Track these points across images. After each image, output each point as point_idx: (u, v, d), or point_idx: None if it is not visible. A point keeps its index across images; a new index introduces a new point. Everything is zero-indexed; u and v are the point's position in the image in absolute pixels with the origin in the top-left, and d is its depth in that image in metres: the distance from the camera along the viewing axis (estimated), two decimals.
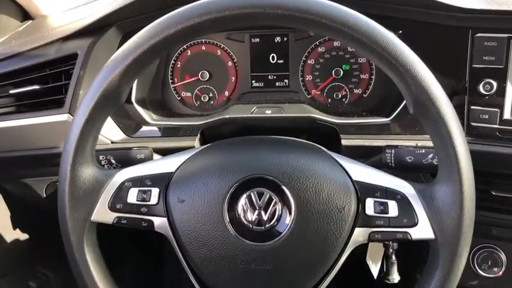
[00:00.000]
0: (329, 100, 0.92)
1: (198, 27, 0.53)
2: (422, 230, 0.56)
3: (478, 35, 0.77)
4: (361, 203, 0.58)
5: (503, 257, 0.87)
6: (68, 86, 0.81)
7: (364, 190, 0.59)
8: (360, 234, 0.58)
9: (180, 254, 0.59)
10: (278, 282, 0.57)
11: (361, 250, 1.06)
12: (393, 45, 0.53)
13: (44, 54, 0.82)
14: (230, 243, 0.56)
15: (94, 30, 0.82)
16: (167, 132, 0.86)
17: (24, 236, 1.00)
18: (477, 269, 0.87)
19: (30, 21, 0.97)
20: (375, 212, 0.58)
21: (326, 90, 0.92)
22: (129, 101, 0.87)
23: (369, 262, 1.04)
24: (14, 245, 0.99)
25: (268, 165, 0.59)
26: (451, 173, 0.54)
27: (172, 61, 0.93)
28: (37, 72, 0.83)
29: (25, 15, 0.97)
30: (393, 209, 0.57)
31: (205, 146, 0.65)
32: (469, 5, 0.76)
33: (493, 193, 0.82)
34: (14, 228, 0.98)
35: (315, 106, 0.89)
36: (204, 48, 0.92)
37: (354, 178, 0.59)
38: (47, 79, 0.83)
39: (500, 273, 0.87)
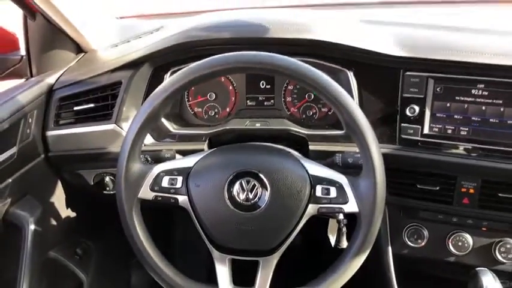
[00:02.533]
0: (303, 116, 1.19)
1: (211, 75, 0.83)
2: (351, 206, 0.85)
3: (407, 73, 1.04)
4: (313, 188, 0.86)
5: (426, 232, 1.11)
6: (114, 104, 1.11)
7: (315, 180, 0.87)
8: (311, 208, 0.86)
9: (195, 220, 0.89)
10: (258, 237, 0.86)
11: (325, 226, 1.36)
12: (329, 85, 0.81)
13: (97, 81, 1.11)
14: (228, 212, 0.86)
15: (133, 65, 1.10)
16: (184, 138, 1.13)
17: (73, 214, 1.26)
18: (407, 241, 1.12)
19: (82, 54, 1.24)
20: (321, 194, 0.86)
21: (301, 109, 1.18)
22: None
23: (329, 235, 1.34)
24: (66, 220, 1.24)
25: (253, 162, 0.88)
26: (369, 170, 0.84)
27: None
28: (92, 94, 1.13)
29: (78, 49, 1.23)
30: (333, 192, 0.86)
31: (213, 149, 0.95)
32: (401, 53, 1.03)
33: (418, 186, 1.07)
34: (67, 208, 1.24)
35: (293, 120, 1.15)
36: None
37: (310, 172, 0.88)
38: (98, 99, 1.14)
39: (423, 244, 1.11)
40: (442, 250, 1.11)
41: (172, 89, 0.84)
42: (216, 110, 1.21)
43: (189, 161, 0.91)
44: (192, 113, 1.22)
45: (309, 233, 1.35)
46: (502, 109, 1.01)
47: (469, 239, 1.10)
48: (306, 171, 0.89)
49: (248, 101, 1.20)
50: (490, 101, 1.01)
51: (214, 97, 1.20)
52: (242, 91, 1.20)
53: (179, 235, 1.71)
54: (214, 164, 0.90)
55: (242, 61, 0.82)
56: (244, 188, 0.86)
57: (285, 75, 0.83)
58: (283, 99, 1.19)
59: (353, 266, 0.86)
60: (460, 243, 1.10)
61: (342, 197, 0.86)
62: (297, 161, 0.91)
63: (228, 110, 1.21)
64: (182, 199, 0.89)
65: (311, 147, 1.09)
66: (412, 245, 1.13)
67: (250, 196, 0.86)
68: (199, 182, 0.88)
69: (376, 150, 0.84)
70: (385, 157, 1.05)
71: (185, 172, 0.89)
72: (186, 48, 1.05)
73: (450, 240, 1.11)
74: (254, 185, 0.86)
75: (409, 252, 1.14)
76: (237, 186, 0.86)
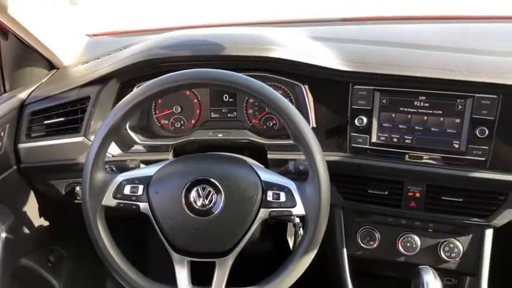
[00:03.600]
0: (264, 127, 1.25)
1: (167, 91, 0.91)
2: (299, 209, 0.92)
3: (355, 87, 1.12)
4: (264, 193, 0.93)
5: (377, 234, 1.19)
6: (83, 118, 1.18)
7: (267, 185, 0.94)
8: (263, 212, 0.93)
9: (156, 225, 0.95)
10: (213, 240, 0.93)
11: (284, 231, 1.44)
12: (275, 99, 0.89)
13: (67, 96, 1.18)
14: (185, 217, 0.93)
15: (101, 80, 1.17)
16: (150, 148, 1.20)
17: (46, 223, 1.31)
18: (360, 243, 1.20)
19: (55, 70, 1.31)
20: (272, 199, 0.93)
21: (262, 120, 1.25)
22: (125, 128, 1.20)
23: (288, 238, 1.41)
24: (38, 228, 1.29)
25: (209, 170, 0.95)
26: (314, 176, 0.91)
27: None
28: (62, 108, 1.20)
29: (50, 65, 1.30)
30: (283, 197, 0.93)
31: (173, 159, 1.03)
32: (349, 68, 1.10)
33: (369, 191, 1.15)
34: (40, 217, 1.28)
35: (254, 131, 1.22)
36: None
37: (262, 178, 0.95)
38: (68, 113, 1.20)
39: (375, 245, 1.19)
40: (393, 251, 1.20)
41: (132, 104, 0.91)
42: (182, 122, 1.28)
43: (150, 170, 0.98)
44: (159, 125, 1.29)
45: (273, 237, 1.43)
46: (441, 119, 1.10)
47: (416, 239, 1.18)
48: (259, 177, 0.96)
49: (212, 113, 1.27)
50: (431, 111, 1.10)
51: (180, 110, 1.27)
52: (206, 104, 1.27)
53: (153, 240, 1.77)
54: (173, 173, 0.97)
55: (196, 77, 0.89)
56: (200, 194, 0.93)
57: (234, 90, 0.91)
58: (245, 112, 1.27)
59: (301, 265, 0.93)
60: (408, 244, 1.18)
61: (291, 201, 0.93)
62: (251, 168, 0.99)
63: (193, 122, 1.28)
64: (143, 206, 0.95)
65: (269, 156, 1.17)
66: (365, 246, 1.21)
67: (206, 202, 0.93)
68: (158, 189, 0.95)
69: (320, 158, 0.92)
70: (338, 164, 1.16)
71: (146, 180, 0.96)
72: (149, 65, 1.13)
73: (400, 241, 1.19)
74: (209, 192, 0.93)
75: (362, 253, 1.22)
76: (193, 192, 0.93)
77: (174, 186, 0.94)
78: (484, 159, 1.07)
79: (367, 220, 1.22)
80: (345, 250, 1.23)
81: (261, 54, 1.11)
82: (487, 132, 1.05)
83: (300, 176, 1.06)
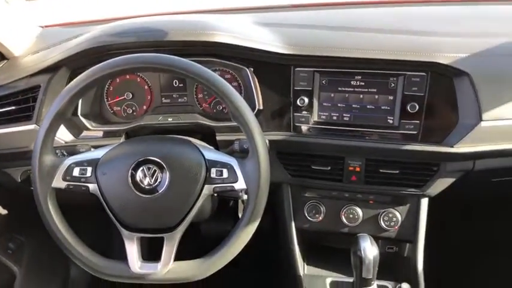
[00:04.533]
0: (214, 110, 1.30)
1: (108, 76, 0.95)
2: (240, 184, 0.97)
3: (297, 69, 1.18)
4: (208, 171, 0.99)
5: (323, 208, 1.27)
6: (34, 106, 1.21)
7: (210, 163, 0.99)
8: (207, 189, 0.98)
9: (105, 205, 0.99)
10: (160, 216, 0.98)
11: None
12: (215, 80, 0.94)
13: (18, 85, 1.20)
14: (132, 196, 0.97)
15: (51, 69, 1.20)
16: (103, 134, 1.24)
17: (4, 211, 1.33)
18: (307, 216, 1.27)
19: (5, 61, 1.33)
20: (216, 176, 0.98)
21: (212, 104, 1.30)
22: (76, 115, 1.24)
23: (239, 214, 1.48)
24: None
25: (154, 151, 1.00)
26: (253, 153, 0.97)
27: (106, 86, 1.29)
28: (13, 97, 1.22)
29: (1, 56, 1.32)
30: (225, 173, 0.98)
31: (120, 142, 1.07)
32: (291, 52, 1.16)
33: (313, 167, 1.22)
34: None
35: (204, 115, 1.27)
36: (128, 77, 1.29)
37: (206, 157, 1.00)
38: (20, 102, 1.23)
39: (321, 218, 1.27)
40: (337, 222, 1.27)
41: (77, 89, 0.95)
42: (133, 108, 1.32)
43: (98, 153, 1.03)
44: (112, 111, 1.33)
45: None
46: (376, 97, 1.17)
47: (359, 211, 1.26)
48: (203, 156, 1.01)
49: (163, 99, 1.31)
50: (367, 90, 1.17)
51: (131, 96, 1.31)
52: (157, 90, 1.31)
53: None
54: (120, 154, 1.02)
55: (135, 62, 0.94)
56: (146, 173, 0.98)
57: (175, 73, 0.96)
58: (195, 96, 1.31)
59: (243, 236, 0.99)
60: (351, 216, 1.26)
61: (233, 177, 0.99)
62: (195, 148, 1.04)
63: (145, 107, 1.32)
64: (92, 187, 1.00)
65: (218, 138, 1.22)
66: (311, 219, 1.29)
67: (152, 181, 0.98)
68: (106, 170, 0.99)
69: (259, 135, 0.97)
70: (283, 143, 1.22)
71: (94, 162, 1.01)
72: (96, 52, 1.16)
73: (343, 213, 1.27)
74: (155, 171, 0.98)
75: (309, 226, 1.30)
76: (139, 172, 0.98)
77: (121, 167, 0.99)
78: (415, 132, 1.15)
79: (313, 195, 1.29)
80: (293, 223, 1.30)
81: (204, 39, 1.16)
82: (417, 107, 1.13)
83: (245, 154, 1.11)
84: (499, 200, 1.52)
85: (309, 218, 1.29)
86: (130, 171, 0.98)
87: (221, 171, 1.00)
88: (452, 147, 1.11)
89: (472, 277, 1.69)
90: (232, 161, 1.01)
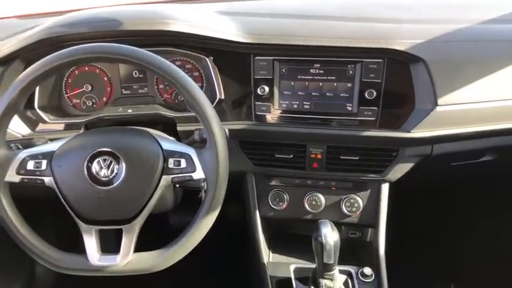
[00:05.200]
0: (175, 101, 1.28)
1: (59, 68, 0.93)
2: (198, 174, 0.97)
3: (257, 57, 1.18)
4: (166, 161, 0.97)
5: (286, 196, 1.28)
6: None
7: (168, 154, 0.98)
8: (165, 179, 0.97)
9: (61, 198, 0.98)
10: (118, 208, 0.97)
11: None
12: (168, 69, 0.93)
13: None
14: (89, 188, 0.95)
15: (4, 61, 1.17)
16: (61, 127, 1.22)
17: None
18: (271, 204, 1.28)
19: None
20: (173, 166, 0.97)
21: (173, 95, 1.28)
22: (33, 108, 1.21)
23: None
24: None
25: (110, 142, 0.98)
26: (211, 142, 0.96)
27: (65, 78, 1.27)
28: None
29: None
30: (183, 163, 0.97)
31: (76, 134, 1.05)
32: (250, 40, 1.16)
33: (276, 155, 1.23)
34: None
35: (165, 105, 1.26)
36: (86, 68, 1.26)
37: (163, 147, 0.99)
38: None
39: (284, 206, 1.28)
40: (300, 210, 1.29)
41: (28, 81, 0.93)
42: (93, 101, 1.30)
43: (54, 146, 1.01)
44: (71, 104, 1.30)
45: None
46: (335, 84, 1.18)
47: (321, 198, 1.27)
48: (160, 147, 1.00)
49: (123, 90, 1.30)
50: (326, 77, 1.18)
51: (90, 88, 1.28)
52: (117, 81, 1.29)
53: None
54: (75, 146, 1.00)
55: (86, 52, 0.92)
56: (102, 165, 0.97)
57: (128, 62, 0.94)
58: (155, 87, 1.30)
59: (203, 225, 0.99)
60: (314, 202, 1.27)
61: (191, 167, 0.98)
62: (153, 138, 1.03)
63: (105, 99, 1.30)
64: (48, 180, 0.98)
65: (179, 128, 1.21)
66: (275, 207, 1.30)
67: (108, 172, 0.97)
68: (61, 163, 0.98)
69: (216, 124, 0.97)
70: (245, 132, 1.23)
71: (49, 155, 0.99)
72: (50, 43, 1.14)
73: (306, 200, 1.28)
74: (111, 162, 0.97)
75: (273, 214, 1.31)
76: (95, 164, 0.97)
77: (76, 159, 0.97)
78: (373, 119, 1.17)
79: (276, 183, 1.30)
80: (257, 212, 1.31)
81: (161, 28, 1.14)
82: (375, 94, 1.15)
83: (205, 143, 1.10)
84: (459, 184, 1.56)
85: (273, 206, 1.30)
86: (86, 163, 0.96)
87: (179, 161, 0.99)
88: (409, 132, 1.13)
89: (432, 260, 1.73)
90: (190, 151, 1.00)
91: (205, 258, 1.79)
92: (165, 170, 0.99)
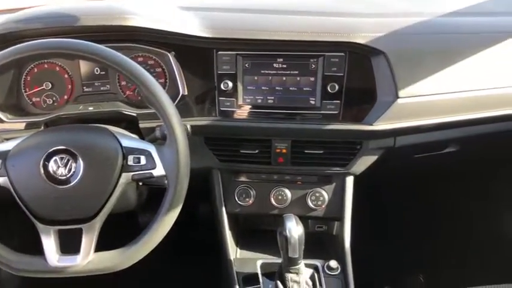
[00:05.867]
0: (138, 98, 1.25)
1: (10, 64, 0.91)
2: (159, 170, 0.95)
3: (219, 52, 1.17)
4: (125, 158, 0.96)
5: (253, 191, 1.27)
6: None
7: (128, 151, 0.96)
8: (125, 177, 0.95)
9: (17, 198, 0.95)
10: (76, 207, 0.94)
11: None
12: (126, 64, 0.92)
13: None
14: (46, 187, 0.93)
15: None
16: (25, 126, 1.18)
17: None
18: (237, 200, 1.28)
19: None
20: (133, 163, 0.96)
21: (136, 91, 1.25)
22: None
23: None
24: None
25: (67, 140, 0.95)
26: (171, 139, 0.95)
27: (23, 76, 1.23)
28: None
29: None
30: (143, 160, 0.96)
31: (32, 133, 1.03)
32: (212, 35, 1.15)
33: (241, 151, 1.23)
34: None
35: (127, 102, 1.23)
36: (46, 66, 1.23)
37: (123, 144, 0.97)
38: None
39: (251, 201, 1.28)
40: (266, 205, 1.28)
41: None
42: (54, 99, 1.26)
43: (8, 145, 0.98)
44: (31, 103, 1.26)
45: None
46: (298, 78, 1.18)
47: (287, 192, 1.27)
48: (120, 144, 0.98)
49: (85, 88, 1.27)
50: (289, 72, 1.18)
51: (50, 86, 1.25)
52: (78, 78, 1.26)
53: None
54: (31, 145, 0.97)
55: (42, 48, 0.90)
56: (59, 163, 0.94)
57: (84, 58, 0.92)
58: (118, 84, 1.27)
59: (165, 222, 0.98)
60: (280, 197, 1.27)
61: (151, 164, 0.97)
62: (112, 135, 1.01)
63: (65, 97, 1.26)
64: (2, 180, 0.95)
65: (141, 125, 1.20)
66: (241, 203, 1.29)
67: (65, 171, 0.94)
68: (15, 163, 0.95)
69: (176, 120, 0.96)
70: (210, 128, 1.21)
71: (4, 155, 0.96)
72: (3, 40, 1.10)
73: (272, 195, 1.28)
74: (68, 160, 0.95)
75: (240, 210, 1.30)
76: (52, 163, 0.94)
77: (32, 158, 0.94)
78: (336, 112, 1.17)
79: (243, 179, 1.30)
80: (223, 208, 1.30)
81: (119, 23, 1.12)
82: (337, 87, 1.15)
83: (164, 140, 1.09)
84: (424, 176, 1.58)
85: (239, 202, 1.29)
86: (42, 162, 0.94)
87: (139, 158, 0.98)
88: (371, 125, 1.14)
89: (400, 253, 1.76)
90: (150, 148, 0.99)
91: (175, 258, 1.78)
92: (125, 168, 0.97)
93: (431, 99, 1.14)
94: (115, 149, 0.97)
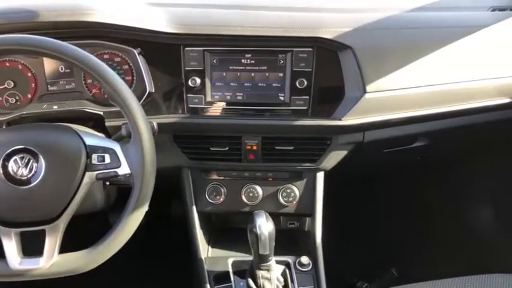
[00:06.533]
0: (105, 96, 1.21)
1: None
2: (124, 169, 0.93)
3: (186, 48, 1.15)
4: (89, 157, 0.94)
5: (223, 189, 1.27)
6: None
7: (91, 149, 0.94)
8: (89, 176, 0.93)
9: None
10: (39, 208, 0.92)
11: None
12: (87, 60, 0.89)
13: None
14: (7, 188, 0.90)
15: None
16: None
17: None
18: (208, 199, 1.26)
19: None
20: (97, 162, 0.93)
21: (102, 89, 1.22)
22: None
23: None
24: None
25: (28, 139, 0.92)
26: (136, 136, 0.93)
27: None
28: None
29: None
30: (108, 159, 0.94)
31: None
32: (179, 31, 1.13)
33: (211, 149, 1.22)
34: None
35: (94, 101, 1.20)
36: (8, 64, 1.19)
37: (86, 143, 0.95)
38: None
39: (221, 199, 1.27)
40: (238, 202, 1.28)
41: None
42: (17, 98, 1.22)
43: None
44: None
45: None
46: (267, 74, 1.17)
47: (258, 189, 1.27)
48: (83, 142, 0.96)
49: (49, 86, 1.23)
50: (257, 67, 1.17)
51: (13, 85, 1.21)
52: (42, 77, 1.22)
53: None
54: None
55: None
56: (19, 163, 0.91)
57: (42, 54, 0.90)
58: (83, 82, 1.24)
59: (131, 222, 0.95)
60: (251, 194, 1.27)
61: (116, 162, 0.95)
62: (75, 134, 0.98)
63: (29, 96, 1.22)
64: None
65: (107, 124, 1.17)
66: (212, 201, 1.28)
67: (26, 171, 0.91)
68: None
69: (140, 117, 0.93)
70: (178, 126, 1.19)
71: None
72: None
73: (243, 192, 1.27)
74: (29, 160, 0.92)
75: (211, 208, 1.29)
76: (11, 162, 0.91)
77: None
78: (305, 108, 1.17)
79: (213, 177, 1.29)
80: (194, 207, 1.29)
81: (79, 19, 1.09)
82: (305, 83, 1.15)
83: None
84: (394, 170, 1.59)
85: (210, 200, 1.28)
86: (1, 161, 0.91)
87: (103, 157, 0.95)
88: (340, 120, 1.14)
89: (372, 246, 1.77)
90: (115, 146, 0.96)
91: (147, 258, 1.75)
92: (88, 166, 0.95)
93: (399, 93, 1.15)
94: (78, 148, 0.95)
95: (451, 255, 1.61)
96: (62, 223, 0.95)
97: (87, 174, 0.95)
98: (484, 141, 1.47)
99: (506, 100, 1.22)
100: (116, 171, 0.95)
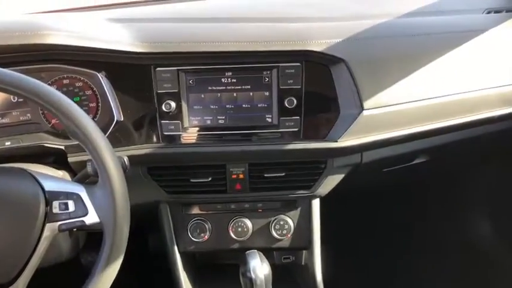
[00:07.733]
0: None
1: None
2: (92, 217, 0.79)
3: (158, 69, 1.02)
4: (49, 205, 0.79)
5: (208, 225, 1.13)
6: None
7: (52, 196, 0.80)
8: (50, 228, 0.78)
9: None
10: None
11: None
12: (40, 91, 0.75)
13: None
14: None
15: None
16: None
17: None
18: (191, 237, 1.12)
19: None
20: (59, 210, 0.79)
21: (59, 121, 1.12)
22: None
23: None
24: None
25: None
26: (103, 178, 0.79)
27: None
28: None
29: None
30: (72, 206, 0.79)
31: None
32: (148, 49, 0.99)
33: (191, 180, 1.08)
34: None
35: (54, 133, 1.05)
36: None
37: (46, 188, 0.81)
38: None
39: (206, 237, 1.13)
40: (225, 239, 1.14)
41: None
42: None
43: None
44: None
45: None
46: (251, 94, 1.04)
47: (248, 223, 1.14)
48: (41, 187, 0.81)
49: (0, 119, 1.08)
50: (240, 87, 1.04)
51: None
52: None
53: None
54: None
55: None
56: None
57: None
58: (40, 111, 1.09)
59: (105, 277, 0.81)
60: (240, 229, 1.14)
61: (81, 209, 0.80)
62: (31, 178, 0.83)
63: None
64: None
65: (70, 159, 1.02)
66: (196, 239, 1.14)
67: None
68: None
69: (107, 153, 0.79)
70: (153, 157, 1.06)
71: None
72: None
73: (231, 227, 1.14)
74: None
75: (195, 247, 1.15)
76: None
77: None
78: (296, 129, 1.05)
79: (196, 211, 1.15)
80: (175, 247, 1.15)
81: (33, 41, 0.94)
82: (295, 102, 1.03)
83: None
84: (393, 190, 1.49)
85: (193, 238, 1.14)
86: None
87: (66, 204, 0.81)
88: (336, 141, 1.02)
89: (373, 273, 1.66)
90: (80, 190, 0.82)
91: None
92: (49, 216, 0.80)
93: (399, 108, 1.04)
94: (35, 195, 0.80)
95: (457, 273, 1.51)
96: (22, 283, 0.79)
97: (48, 226, 0.80)
98: (485, 153, 1.38)
99: (510, 110, 1.13)
100: (82, 221, 0.81)
